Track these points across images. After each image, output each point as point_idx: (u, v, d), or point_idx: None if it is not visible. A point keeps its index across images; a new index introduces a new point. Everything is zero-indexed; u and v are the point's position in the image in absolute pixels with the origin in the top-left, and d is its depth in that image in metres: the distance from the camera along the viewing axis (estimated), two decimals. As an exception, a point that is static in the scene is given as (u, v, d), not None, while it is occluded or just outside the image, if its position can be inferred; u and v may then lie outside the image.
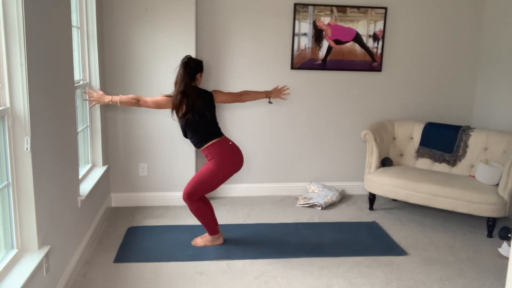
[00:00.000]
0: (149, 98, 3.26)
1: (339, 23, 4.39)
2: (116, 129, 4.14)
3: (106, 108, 4.05)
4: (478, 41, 4.63)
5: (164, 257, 3.22)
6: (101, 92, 3.27)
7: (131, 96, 3.26)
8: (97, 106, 3.77)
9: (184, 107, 3.14)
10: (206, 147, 3.24)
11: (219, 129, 3.35)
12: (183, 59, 3.22)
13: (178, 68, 3.22)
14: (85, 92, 3.31)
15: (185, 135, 3.33)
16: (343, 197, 4.59)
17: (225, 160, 3.25)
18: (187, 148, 4.20)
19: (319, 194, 4.43)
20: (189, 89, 3.17)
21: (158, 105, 3.23)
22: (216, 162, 3.22)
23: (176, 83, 3.20)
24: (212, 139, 3.24)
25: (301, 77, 4.47)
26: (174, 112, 3.19)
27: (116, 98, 3.22)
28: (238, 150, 3.32)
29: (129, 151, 4.19)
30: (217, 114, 3.39)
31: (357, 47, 4.46)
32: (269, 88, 4.42)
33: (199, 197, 3.29)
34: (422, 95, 4.68)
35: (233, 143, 3.33)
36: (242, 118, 4.45)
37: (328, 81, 4.52)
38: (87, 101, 3.40)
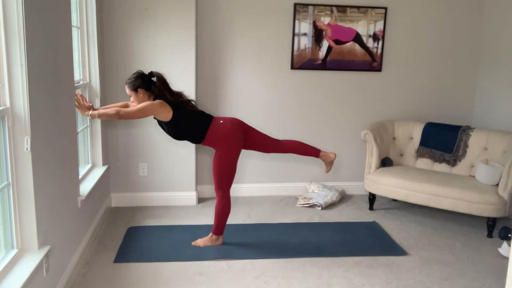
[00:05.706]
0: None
1: (339, 23, 4.39)
2: (116, 129, 4.14)
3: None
4: (478, 41, 4.63)
5: (164, 257, 3.22)
6: (89, 104, 3.03)
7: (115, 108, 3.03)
8: (97, 106, 3.77)
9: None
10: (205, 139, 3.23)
11: (205, 115, 3.28)
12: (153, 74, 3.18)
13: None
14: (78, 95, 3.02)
15: (179, 138, 3.28)
16: (343, 197, 4.59)
17: (229, 140, 3.22)
18: (187, 148, 4.20)
19: (319, 194, 4.43)
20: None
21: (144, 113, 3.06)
22: (221, 146, 3.21)
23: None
24: (207, 129, 3.21)
25: (301, 77, 4.47)
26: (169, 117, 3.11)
27: (95, 112, 2.99)
28: (231, 122, 3.28)
29: (129, 151, 4.19)
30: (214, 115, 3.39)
31: (357, 47, 4.46)
32: (268, 88, 4.46)
33: (230, 186, 3.30)
34: (422, 95, 4.68)
35: (224, 121, 3.28)
36: (242, 118, 4.44)
37: (328, 81, 4.52)
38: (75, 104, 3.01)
